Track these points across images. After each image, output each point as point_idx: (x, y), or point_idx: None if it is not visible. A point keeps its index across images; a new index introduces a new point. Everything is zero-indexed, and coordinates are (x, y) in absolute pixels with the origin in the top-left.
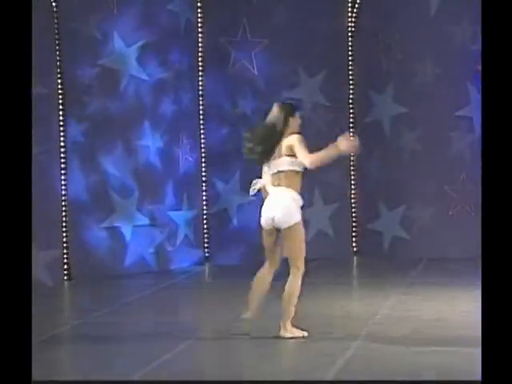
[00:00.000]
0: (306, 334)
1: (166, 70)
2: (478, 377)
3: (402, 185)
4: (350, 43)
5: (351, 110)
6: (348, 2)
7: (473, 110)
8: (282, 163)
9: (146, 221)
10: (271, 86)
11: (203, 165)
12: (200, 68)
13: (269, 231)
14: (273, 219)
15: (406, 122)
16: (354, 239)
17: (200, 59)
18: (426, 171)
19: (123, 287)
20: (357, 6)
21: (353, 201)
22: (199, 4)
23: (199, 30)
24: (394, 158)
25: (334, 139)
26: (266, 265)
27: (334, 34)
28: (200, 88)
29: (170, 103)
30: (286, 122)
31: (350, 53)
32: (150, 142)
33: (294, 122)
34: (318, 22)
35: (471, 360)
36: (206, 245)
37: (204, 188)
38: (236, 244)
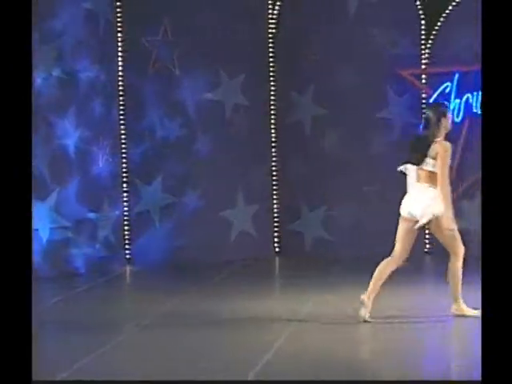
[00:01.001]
0: (477, 313)
1: (87, 69)
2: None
3: (323, 185)
4: (270, 44)
5: (272, 111)
6: (269, 4)
7: (392, 112)
8: (426, 163)
9: (64, 222)
10: (192, 86)
11: (124, 165)
12: (120, 68)
13: (405, 220)
14: (410, 212)
15: (327, 122)
16: (276, 240)
17: (120, 59)
18: (346, 172)
19: (41, 290)
20: (277, 7)
21: (275, 201)
22: (118, 3)
23: (118, 29)
24: (315, 158)
25: (255, 140)
26: (394, 253)
27: (256, 35)
28: (120, 88)
29: (91, 103)
30: (438, 123)
31: (270, 54)
32: (70, 141)
33: (446, 121)
34: (239, 23)
35: (395, 360)
36: (127, 246)
37: (126, 189)
38: (158, 246)
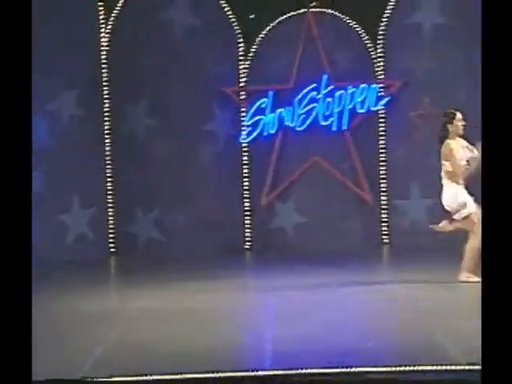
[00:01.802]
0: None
1: None
2: None
3: (156, 190)
4: (105, 57)
5: (107, 121)
6: (101, 19)
7: (216, 125)
8: (443, 164)
9: None
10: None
11: None
12: None
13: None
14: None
15: (159, 133)
16: (111, 241)
17: None
18: (177, 178)
19: None
20: (111, 22)
21: (110, 205)
22: None
23: None
24: (148, 165)
25: (91, 148)
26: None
27: (92, 49)
28: None
29: None
30: (444, 128)
31: (105, 65)
32: None
33: (453, 127)
34: (76, 35)
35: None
36: None
37: None
38: None
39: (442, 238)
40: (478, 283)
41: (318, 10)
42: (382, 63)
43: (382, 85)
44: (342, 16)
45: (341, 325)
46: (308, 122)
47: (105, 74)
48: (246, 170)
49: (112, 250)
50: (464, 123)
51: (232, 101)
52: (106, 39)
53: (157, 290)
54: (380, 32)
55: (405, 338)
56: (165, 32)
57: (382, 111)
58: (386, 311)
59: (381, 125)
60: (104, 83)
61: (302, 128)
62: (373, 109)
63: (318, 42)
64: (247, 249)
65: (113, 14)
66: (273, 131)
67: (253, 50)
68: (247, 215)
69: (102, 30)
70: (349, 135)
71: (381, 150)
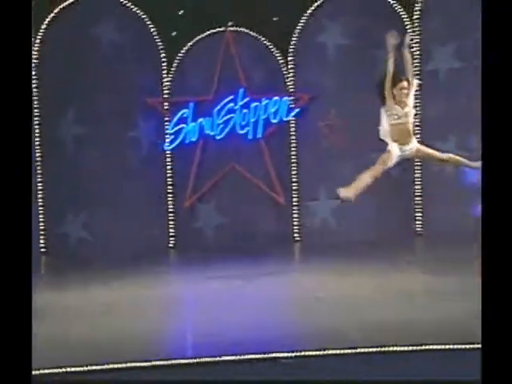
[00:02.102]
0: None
1: None
2: None
3: (85, 193)
4: (35, 67)
5: (37, 129)
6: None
7: (141, 132)
8: None
9: None
10: None
11: None
12: None
13: None
14: None
15: (87, 140)
16: (42, 241)
17: None
18: (105, 181)
19: None
20: (41, 34)
21: (41, 207)
22: None
23: None
24: (78, 169)
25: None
26: None
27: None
28: None
29: None
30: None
31: (35, 75)
32: None
33: (396, 91)
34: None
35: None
36: None
37: None
38: None
39: (351, 235)
40: None
41: (235, 28)
42: (292, 78)
43: (292, 98)
44: (257, 35)
45: (256, 314)
46: (226, 130)
47: (35, 84)
48: (169, 175)
49: (43, 250)
50: (406, 92)
51: (156, 111)
52: (36, 49)
53: (84, 287)
54: (290, 50)
55: (311, 325)
56: (93, 45)
57: (293, 121)
58: (296, 301)
59: (292, 133)
60: (34, 92)
61: (220, 136)
62: (284, 119)
63: (236, 58)
64: (171, 247)
65: (42, 26)
66: (194, 139)
67: (175, 64)
68: (171, 216)
69: (32, 39)
70: (263, 143)
71: (292, 156)
